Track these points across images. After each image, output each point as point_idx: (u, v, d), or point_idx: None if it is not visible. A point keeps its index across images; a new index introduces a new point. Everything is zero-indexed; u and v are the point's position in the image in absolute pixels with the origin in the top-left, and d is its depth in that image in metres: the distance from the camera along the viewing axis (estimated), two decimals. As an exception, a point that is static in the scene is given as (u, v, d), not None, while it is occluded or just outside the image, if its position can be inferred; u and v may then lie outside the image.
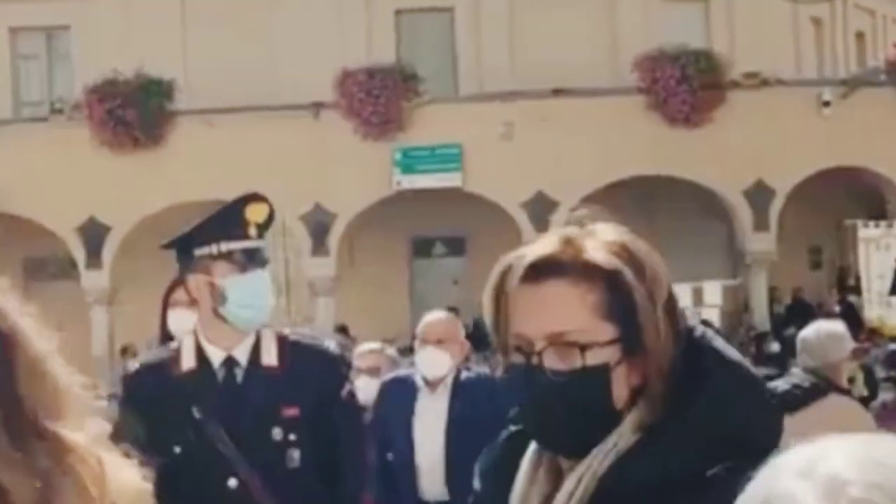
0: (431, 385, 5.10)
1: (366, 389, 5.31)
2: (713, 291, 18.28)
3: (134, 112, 20.18)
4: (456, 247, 22.13)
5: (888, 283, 15.66)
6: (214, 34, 20.98)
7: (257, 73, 20.55)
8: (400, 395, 5.14)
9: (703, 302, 17.79)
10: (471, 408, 4.84)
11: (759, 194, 20.54)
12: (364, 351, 6.19)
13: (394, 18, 21.92)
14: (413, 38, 21.84)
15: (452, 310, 7.61)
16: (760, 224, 20.68)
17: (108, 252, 20.62)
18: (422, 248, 22.62)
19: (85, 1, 21.18)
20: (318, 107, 20.35)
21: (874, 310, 15.96)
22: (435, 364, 5.06)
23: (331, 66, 20.17)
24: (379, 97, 20.14)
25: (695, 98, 20.10)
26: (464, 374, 5.08)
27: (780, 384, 4.97)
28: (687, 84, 20.06)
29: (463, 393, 5.01)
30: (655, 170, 20.00)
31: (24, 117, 21.53)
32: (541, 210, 19.92)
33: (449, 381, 5.06)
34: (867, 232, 16.53)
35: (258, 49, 20.82)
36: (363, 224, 20.96)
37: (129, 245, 20.66)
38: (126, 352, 20.64)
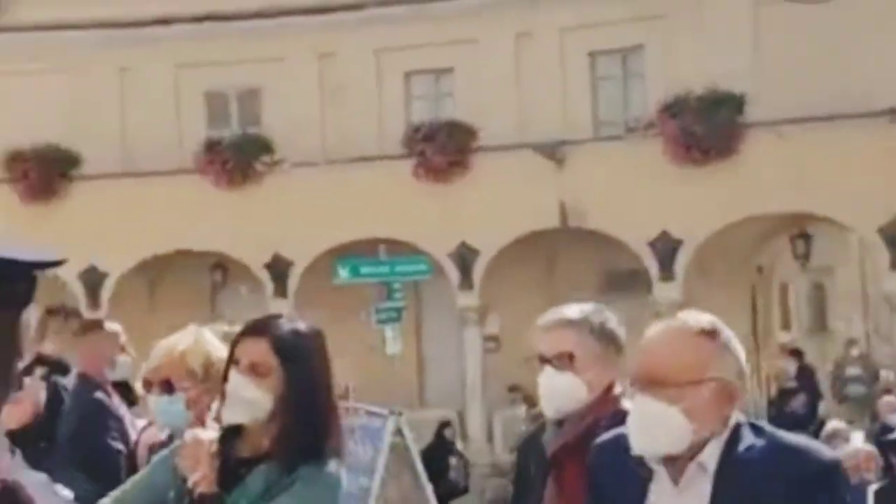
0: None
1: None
2: None
3: (704, 126, 20.53)
4: None
5: None
6: (786, 44, 20.83)
7: (831, 82, 20.11)
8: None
9: None
10: None
11: None
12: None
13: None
14: None
15: None
16: None
17: (680, 265, 21.13)
18: None
19: (659, 20, 21.87)
20: (894, 112, 19.55)
21: None
22: None
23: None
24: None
25: None
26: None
27: None
28: None
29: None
30: None
31: (602, 136, 22.64)
32: None
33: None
34: None
35: (833, 57, 20.37)
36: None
37: (701, 257, 21.07)
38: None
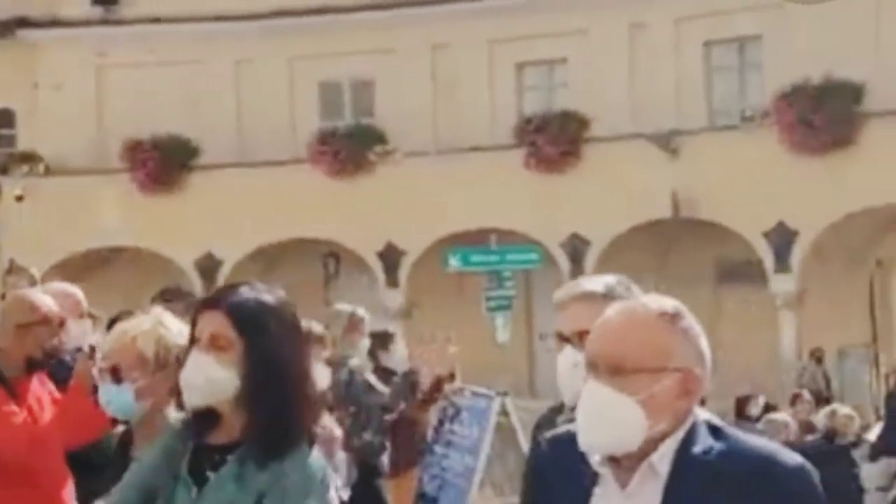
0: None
1: None
2: None
3: (822, 115, 20.16)
4: None
5: None
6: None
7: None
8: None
9: None
10: None
11: None
12: None
13: None
14: None
15: None
16: None
17: (797, 256, 20.77)
18: None
19: (775, 9, 21.51)
20: None
21: None
22: None
23: None
24: None
25: None
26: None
27: None
28: None
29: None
30: None
31: (718, 126, 22.37)
32: None
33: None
34: None
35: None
36: None
37: (818, 249, 20.70)
38: (813, 355, 20.76)
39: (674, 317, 2.28)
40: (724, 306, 22.44)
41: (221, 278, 23.22)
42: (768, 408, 13.60)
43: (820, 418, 11.62)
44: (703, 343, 2.30)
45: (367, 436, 6.81)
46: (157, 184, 23.45)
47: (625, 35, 22.75)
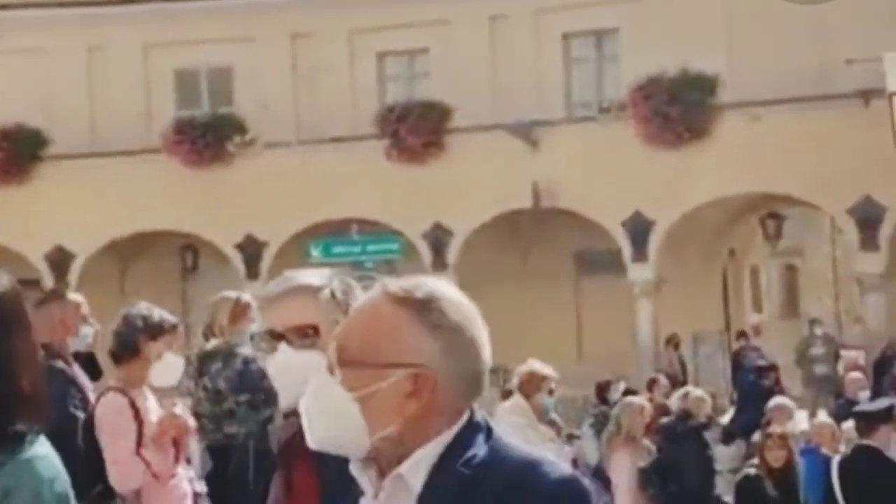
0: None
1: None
2: None
3: (677, 108, 20.55)
4: None
5: None
6: (759, 27, 20.84)
7: (803, 64, 20.14)
8: None
9: None
10: None
11: None
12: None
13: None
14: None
15: None
16: None
17: (653, 245, 21.15)
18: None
19: (633, 3, 21.85)
20: (866, 95, 19.60)
21: None
22: None
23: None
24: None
25: None
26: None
27: None
28: None
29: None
30: None
31: (576, 117, 22.63)
32: None
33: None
34: None
35: (805, 40, 20.39)
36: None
37: (674, 238, 21.11)
38: (670, 341, 21.20)
39: (420, 305, 1.96)
40: (585, 295, 22.76)
41: (74, 273, 22.60)
42: (628, 392, 13.82)
43: (674, 400, 11.88)
44: (463, 339, 1.98)
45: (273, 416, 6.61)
46: (6, 175, 22.67)
47: (485, 26, 22.84)
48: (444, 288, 2.01)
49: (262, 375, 6.95)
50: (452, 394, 1.97)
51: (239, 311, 6.72)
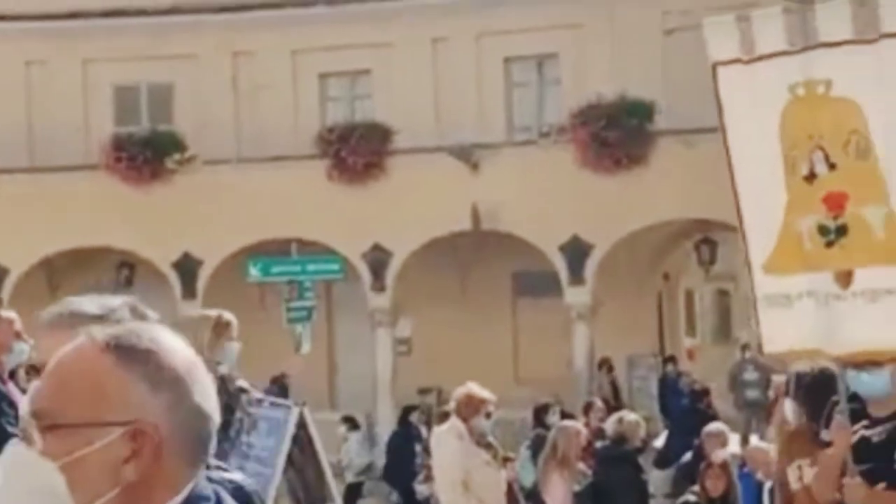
0: None
1: None
2: None
3: (615, 133, 20.77)
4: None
5: None
6: (694, 56, 21.12)
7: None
8: None
9: None
10: None
11: None
12: None
13: None
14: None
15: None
16: None
17: (590, 269, 21.32)
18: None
19: (573, 29, 22.08)
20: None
21: None
22: None
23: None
24: None
25: None
26: None
27: None
28: None
29: None
30: None
31: (517, 140, 22.78)
32: None
33: None
34: None
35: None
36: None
37: (610, 263, 21.30)
38: (602, 365, 21.36)
39: (136, 353, 1.65)
40: (523, 317, 22.87)
41: (6, 289, 22.30)
42: (564, 416, 13.89)
43: (609, 424, 11.96)
44: (187, 392, 1.67)
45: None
46: (-60, 189, 22.37)
47: (427, 49, 22.96)
48: (162, 335, 1.71)
49: (240, 393, 6.92)
50: (177, 460, 1.66)
51: (220, 329, 6.70)
